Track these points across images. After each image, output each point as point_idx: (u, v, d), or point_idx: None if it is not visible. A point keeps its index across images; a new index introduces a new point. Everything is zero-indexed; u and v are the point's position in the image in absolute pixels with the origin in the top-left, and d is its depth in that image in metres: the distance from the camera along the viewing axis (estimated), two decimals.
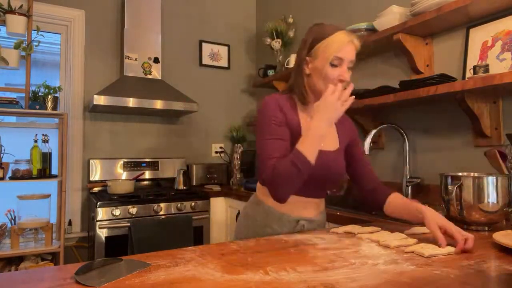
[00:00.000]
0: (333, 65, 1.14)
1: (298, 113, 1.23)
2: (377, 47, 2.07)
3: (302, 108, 1.24)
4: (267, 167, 1.09)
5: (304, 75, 1.21)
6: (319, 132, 1.07)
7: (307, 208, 1.24)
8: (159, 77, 2.90)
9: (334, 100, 1.06)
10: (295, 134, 1.17)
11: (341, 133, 1.30)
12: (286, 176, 1.06)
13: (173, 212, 2.46)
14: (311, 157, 1.06)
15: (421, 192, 1.87)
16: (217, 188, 2.86)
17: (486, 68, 1.46)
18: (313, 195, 1.24)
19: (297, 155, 1.06)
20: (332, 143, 1.26)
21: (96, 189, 2.71)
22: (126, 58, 2.78)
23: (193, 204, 2.52)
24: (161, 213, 2.42)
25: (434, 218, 1.01)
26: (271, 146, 1.12)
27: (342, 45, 1.13)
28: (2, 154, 2.30)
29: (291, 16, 2.98)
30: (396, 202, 1.20)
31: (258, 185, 1.29)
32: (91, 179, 2.75)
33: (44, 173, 2.40)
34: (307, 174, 1.07)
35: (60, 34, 2.84)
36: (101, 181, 2.76)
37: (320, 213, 1.30)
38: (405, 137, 1.92)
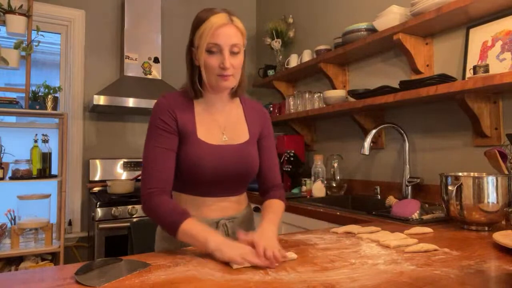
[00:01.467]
0: (210, 53, 1.04)
1: (194, 108, 1.14)
2: (377, 47, 2.07)
3: (199, 101, 1.15)
4: (143, 196, 1.03)
5: (195, 67, 1.11)
6: (204, 244, 0.90)
7: (227, 207, 1.17)
8: (159, 77, 2.90)
9: (238, 259, 0.83)
10: (190, 132, 1.09)
11: (251, 123, 1.21)
12: (157, 221, 1.02)
13: None
14: (182, 236, 0.96)
15: (421, 192, 1.87)
16: None
17: (486, 68, 1.46)
18: (231, 193, 1.17)
19: (173, 224, 0.96)
20: (241, 135, 1.17)
21: (96, 189, 2.71)
22: (126, 58, 2.78)
23: None
24: None
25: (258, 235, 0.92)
26: (153, 164, 1.04)
27: (215, 29, 1.02)
28: (2, 154, 2.30)
29: (291, 16, 2.97)
30: (262, 207, 1.17)
31: (173, 192, 1.19)
32: (91, 179, 2.75)
33: (44, 173, 2.40)
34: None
35: (60, 34, 2.84)
36: (101, 181, 2.76)
37: (243, 209, 1.22)
38: (405, 137, 1.92)
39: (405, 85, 1.72)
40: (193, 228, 0.95)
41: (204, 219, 1.11)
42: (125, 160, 2.87)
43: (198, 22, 1.06)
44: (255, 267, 0.82)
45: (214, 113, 1.16)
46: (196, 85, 1.12)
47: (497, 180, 1.15)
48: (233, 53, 1.05)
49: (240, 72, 1.11)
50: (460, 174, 1.27)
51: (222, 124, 1.16)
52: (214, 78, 1.07)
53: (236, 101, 1.23)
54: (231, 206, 1.18)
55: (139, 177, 2.84)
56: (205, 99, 1.15)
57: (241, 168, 1.13)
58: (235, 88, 1.16)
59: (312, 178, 2.30)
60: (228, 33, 1.03)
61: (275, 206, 1.16)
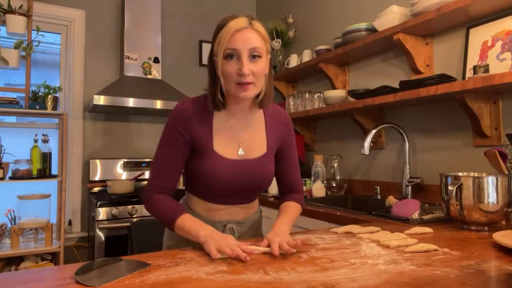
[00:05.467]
0: (229, 59, 0.98)
1: (213, 118, 1.09)
2: (377, 47, 2.07)
3: (219, 111, 1.10)
4: (145, 194, 1.08)
5: (217, 77, 1.04)
6: (197, 237, 0.96)
7: (237, 212, 1.17)
8: (159, 77, 2.90)
9: (214, 252, 0.87)
10: (206, 144, 1.07)
11: (271, 137, 1.16)
12: (156, 216, 1.06)
13: None
14: (178, 230, 1.01)
15: (421, 192, 1.87)
16: None
17: (486, 68, 1.46)
18: (242, 202, 1.17)
19: (170, 219, 1.02)
20: (258, 149, 1.13)
21: (96, 189, 2.71)
22: (126, 58, 2.78)
23: None
24: None
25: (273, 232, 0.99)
26: (160, 170, 1.08)
27: (233, 33, 0.96)
28: (2, 154, 2.30)
29: (291, 16, 2.97)
30: (279, 208, 1.19)
31: (186, 192, 1.22)
32: (91, 179, 2.75)
33: (44, 173, 2.40)
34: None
35: (60, 34, 2.84)
36: (101, 181, 2.76)
37: (252, 214, 1.22)
38: (405, 137, 1.92)
39: (405, 85, 1.72)
40: (186, 222, 1.00)
41: (212, 221, 1.13)
42: (125, 160, 2.87)
43: (217, 29, 1.02)
44: (254, 267, 0.82)
45: (233, 125, 1.11)
46: (217, 96, 1.05)
47: (497, 180, 1.15)
48: (253, 59, 0.98)
49: (262, 80, 1.03)
50: (460, 174, 1.27)
51: (240, 138, 1.12)
52: (233, 87, 1.00)
53: (259, 113, 1.16)
54: (241, 211, 1.19)
55: (139, 177, 2.84)
56: (225, 110, 1.10)
57: (255, 181, 1.13)
58: (261, 98, 1.08)
59: (312, 178, 2.30)
60: (246, 37, 0.97)
61: (290, 208, 1.18)
